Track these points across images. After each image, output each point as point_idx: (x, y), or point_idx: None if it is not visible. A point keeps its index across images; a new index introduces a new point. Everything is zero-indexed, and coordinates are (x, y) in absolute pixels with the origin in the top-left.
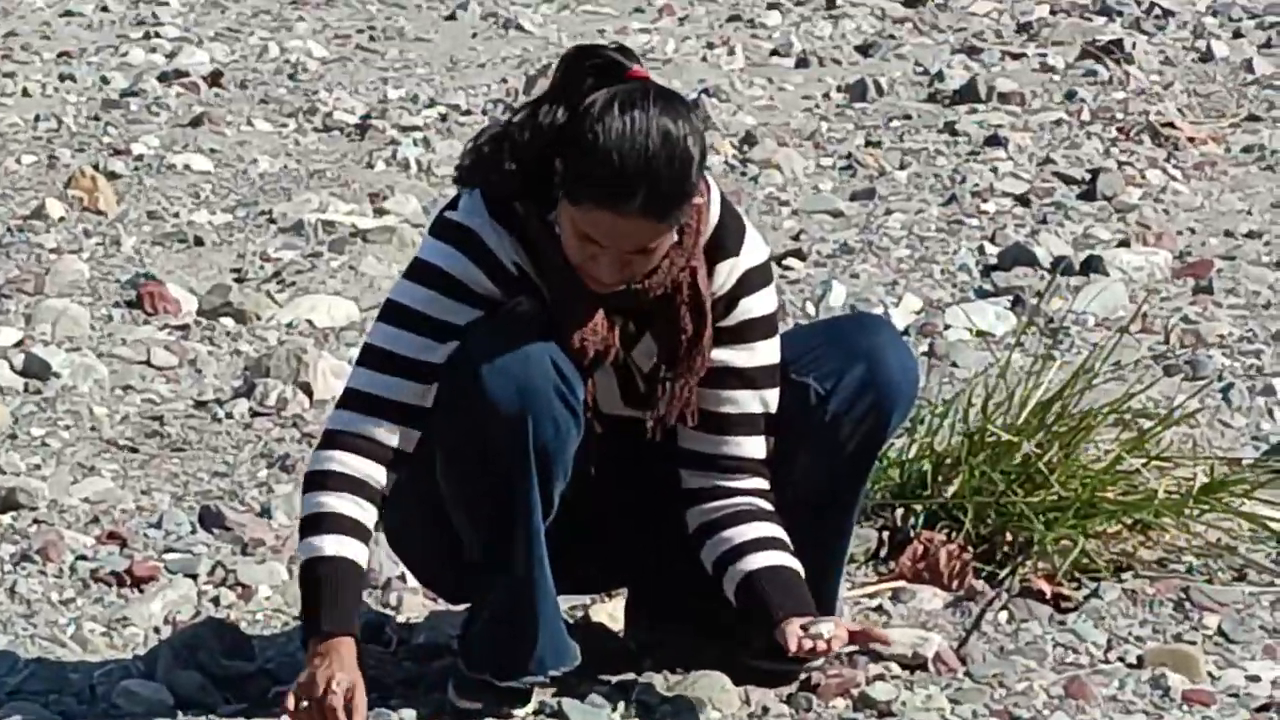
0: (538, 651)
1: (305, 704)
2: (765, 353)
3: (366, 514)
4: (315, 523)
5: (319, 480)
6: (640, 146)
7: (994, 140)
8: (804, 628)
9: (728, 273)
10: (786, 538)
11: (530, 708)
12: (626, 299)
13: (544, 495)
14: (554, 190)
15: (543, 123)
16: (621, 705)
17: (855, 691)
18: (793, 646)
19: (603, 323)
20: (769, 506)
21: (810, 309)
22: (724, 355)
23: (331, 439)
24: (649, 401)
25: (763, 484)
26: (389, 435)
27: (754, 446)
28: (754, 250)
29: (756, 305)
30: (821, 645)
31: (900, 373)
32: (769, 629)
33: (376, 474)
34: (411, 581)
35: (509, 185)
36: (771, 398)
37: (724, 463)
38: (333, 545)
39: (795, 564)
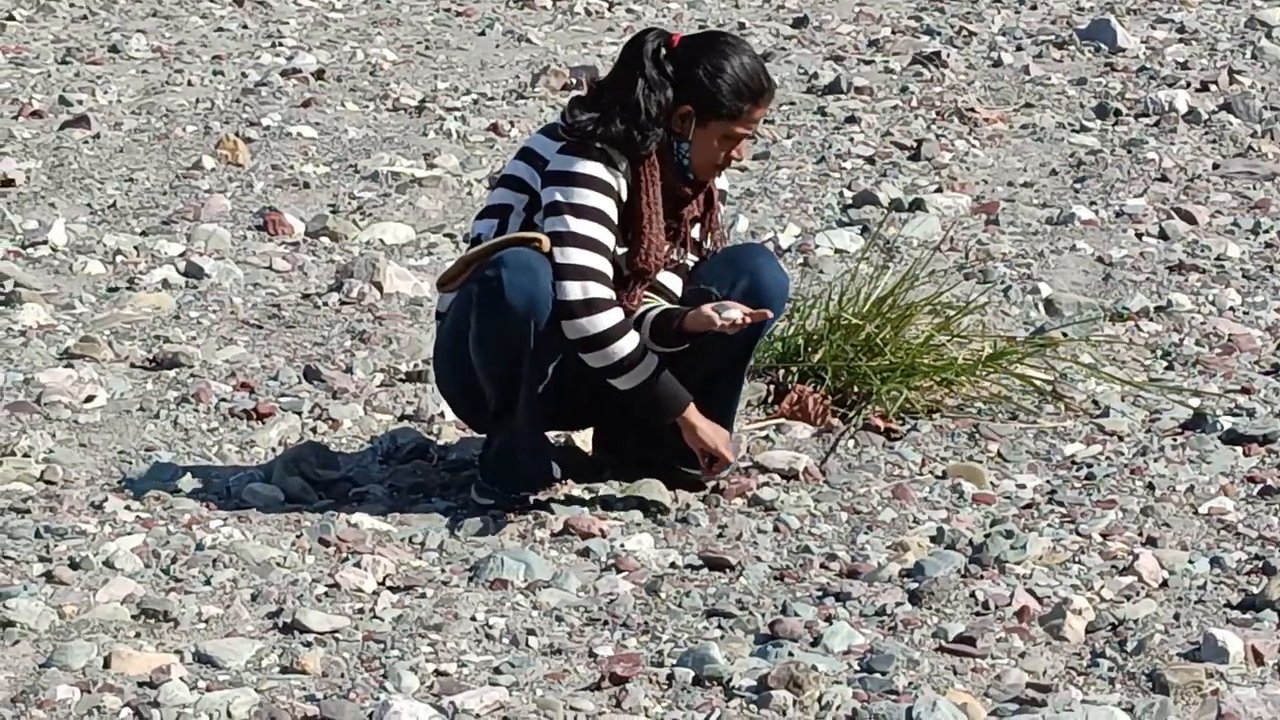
0: (530, 475)
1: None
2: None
3: None
4: (640, 352)
5: (629, 325)
6: (753, 62)
7: (851, 120)
8: (715, 309)
9: (722, 186)
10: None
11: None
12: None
13: (540, 366)
14: (678, 129)
15: (660, 97)
16: (589, 503)
17: (749, 494)
18: (719, 321)
19: (663, 244)
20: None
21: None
22: None
23: (609, 302)
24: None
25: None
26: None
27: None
28: (724, 178)
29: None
30: (731, 317)
31: (774, 284)
32: (676, 322)
33: None
34: (448, 417)
35: (654, 142)
36: None
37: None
38: (654, 359)
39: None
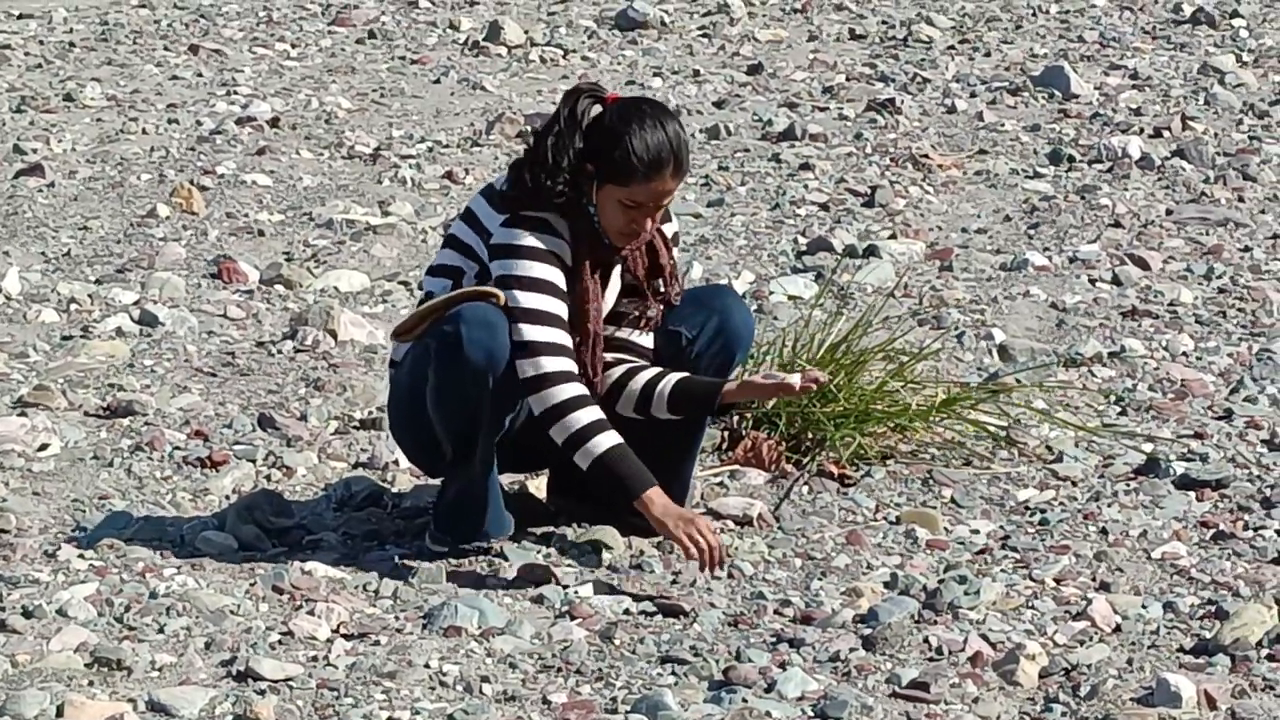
0: (485, 526)
1: (695, 534)
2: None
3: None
4: (600, 425)
5: (581, 401)
6: (661, 136)
7: (806, 166)
8: (766, 376)
9: (671, 231)
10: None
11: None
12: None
13: (498, 421)
14: (586, 187)
15: (567, 146)
16: (544, 548)
17: None
18: (782, 383)
19: (598, 296)
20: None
21: None
22: None
23: (563, 375)
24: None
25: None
26: (573, 362)
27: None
28: (674, 221)
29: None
30: (794, 381)
31: (742, 325)
32: (714, 402)
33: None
34: (403, 464)
35: (564, 195)
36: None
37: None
38: (615, 436)
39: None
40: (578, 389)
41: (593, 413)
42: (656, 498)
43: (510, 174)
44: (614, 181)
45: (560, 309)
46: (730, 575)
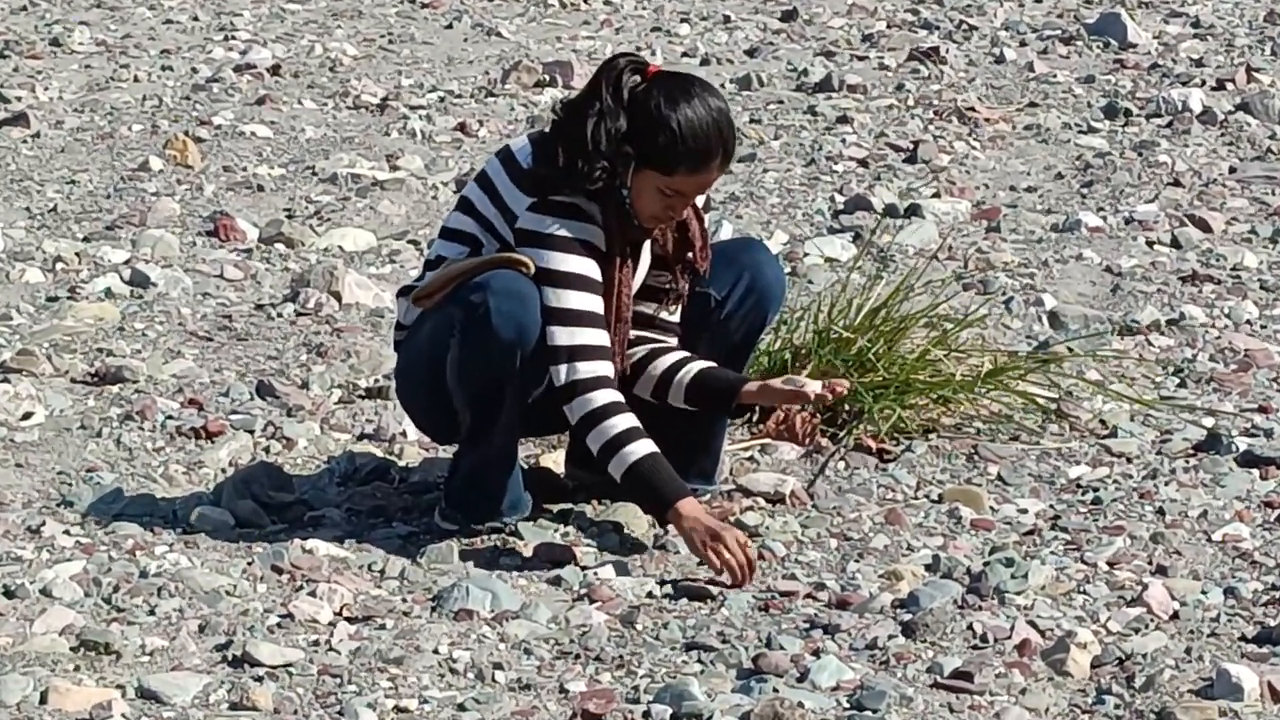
0: (501, 506)
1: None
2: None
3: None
4: (635, 433)
5: (617, 408)
6: (711, 124)
7: (843, 119)
8: (786, 381)
9: (702, 200)
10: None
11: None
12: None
13: (522, 398)
14: (621, 169)
15: (610, 128)
16: (562, 526)
17: (731, 518)
18: (800, 390)
19: (629, 283)
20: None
21: None
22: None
23: (602, 381)
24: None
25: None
26: (610, 364)
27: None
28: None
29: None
30: (813, 388)
31: (774, 281)
32: (732, 401)
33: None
34: (411, 435)
35: (601, 180)
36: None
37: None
38: (650, 444)
39: (712, 364)
40: (613, 395)
41: (628, 420)
42: (685, 510)
43: (537, 150)
44: (655, 168)
45: (596, 304)
46: (761, 556)
